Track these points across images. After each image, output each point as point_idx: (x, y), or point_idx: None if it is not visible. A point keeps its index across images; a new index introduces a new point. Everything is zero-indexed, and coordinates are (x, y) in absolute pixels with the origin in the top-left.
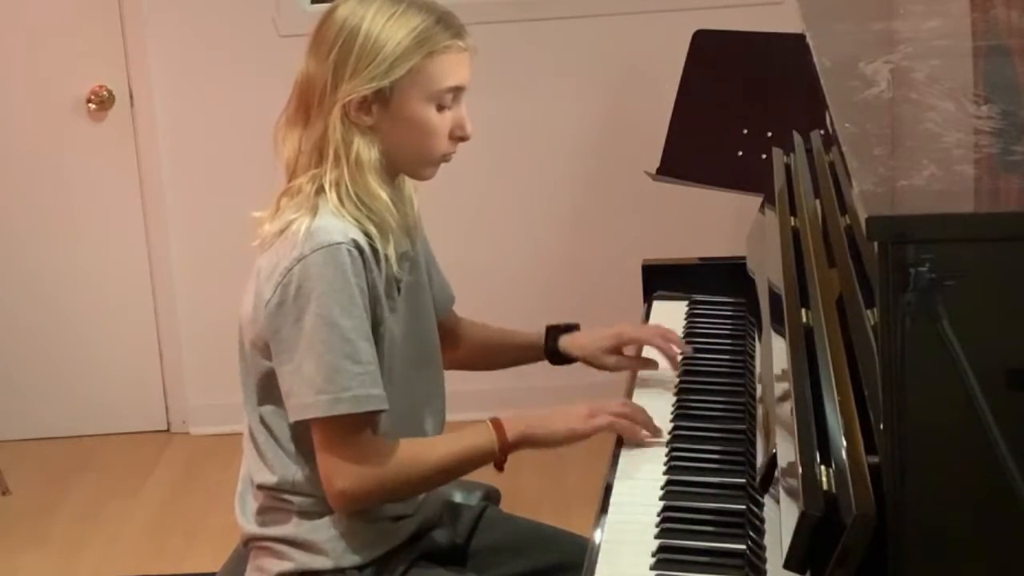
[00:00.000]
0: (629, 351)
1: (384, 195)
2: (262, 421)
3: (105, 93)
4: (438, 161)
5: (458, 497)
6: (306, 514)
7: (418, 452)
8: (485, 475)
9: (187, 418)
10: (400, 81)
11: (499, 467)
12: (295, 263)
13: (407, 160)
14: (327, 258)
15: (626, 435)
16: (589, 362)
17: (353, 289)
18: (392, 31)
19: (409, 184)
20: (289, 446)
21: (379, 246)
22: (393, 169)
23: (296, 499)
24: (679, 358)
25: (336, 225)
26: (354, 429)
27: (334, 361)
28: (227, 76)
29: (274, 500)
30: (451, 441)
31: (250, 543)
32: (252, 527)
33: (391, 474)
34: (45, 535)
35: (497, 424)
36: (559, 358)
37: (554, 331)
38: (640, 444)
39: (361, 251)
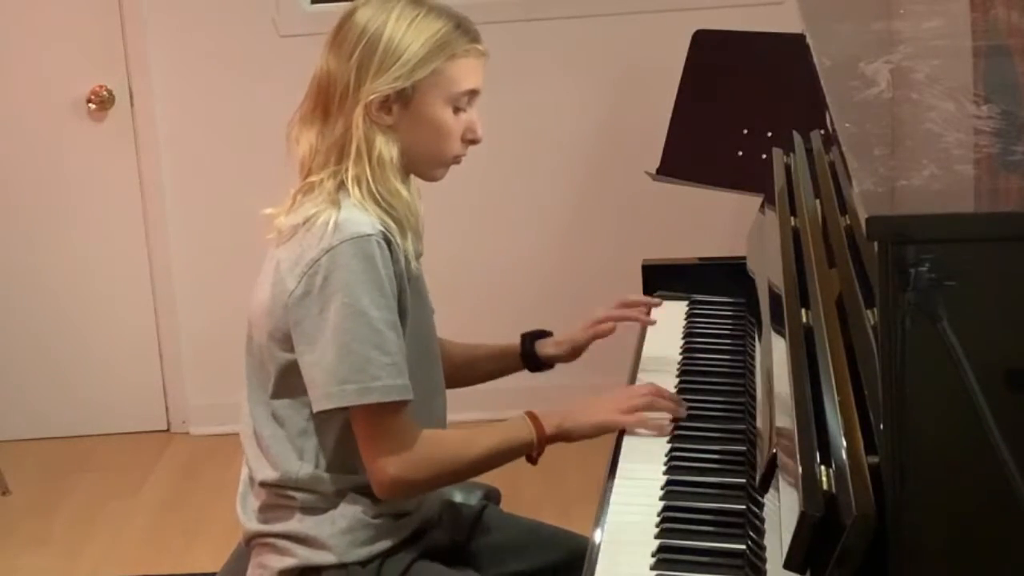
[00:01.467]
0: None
1: (405, 193)
2: (273, 415)
3: (105, 93)
4: (450, 162)
5: (458, 496)
6: (309, 510)
7: (464, 441)
8: (487, 474)
9: (187, 418)
10: (422, 83)
11: (533, 460)
12: (322, 254)
13: (421, 160)
14: (356, 249)
15: (655, 431)
16: (571, 352)
17: (382, 280)
18: (415, 34)
19: (415, 185)
20: (298, 440)
21: (399, 241)
22: (406, 169)
23: (299, 495)
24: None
25: (363, 218)
26: (397, 417)
27: (362, 351)
28: (227, 76)
29: (276, 497)
30: (493, 432)
31: (252, 541)
32: (254, 524)
33: (441, 460)
34: (45, 535)
35: (534, 417)
36: (536, 363)
37: (528, 337)
38: (656, 433)
39: (389, 243)
